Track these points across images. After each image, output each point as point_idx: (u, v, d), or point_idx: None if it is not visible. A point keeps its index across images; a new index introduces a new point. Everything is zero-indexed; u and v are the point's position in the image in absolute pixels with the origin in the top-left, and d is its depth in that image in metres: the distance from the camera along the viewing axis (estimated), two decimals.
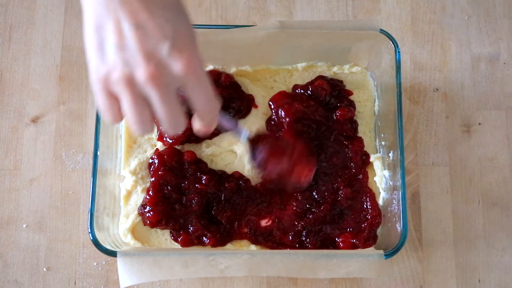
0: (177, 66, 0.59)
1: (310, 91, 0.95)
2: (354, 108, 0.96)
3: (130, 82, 0.59)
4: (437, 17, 1.06)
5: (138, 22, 0.59)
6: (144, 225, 0.91)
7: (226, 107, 0.93)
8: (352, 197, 0.92)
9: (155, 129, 0.95)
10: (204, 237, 0.90)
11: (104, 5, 0.59)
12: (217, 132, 0.94)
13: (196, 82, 0.61)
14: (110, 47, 0.59)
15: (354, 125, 0.95)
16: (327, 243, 0.90)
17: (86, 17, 0.61)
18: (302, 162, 0.90)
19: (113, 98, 0.61)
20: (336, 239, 0.91)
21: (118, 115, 0.62)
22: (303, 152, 0.91)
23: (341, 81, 0.97)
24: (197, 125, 0.68)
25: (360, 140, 0.94)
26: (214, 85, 0.93)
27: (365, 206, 0.92)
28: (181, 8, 0.64)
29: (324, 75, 0.98)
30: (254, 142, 0.88)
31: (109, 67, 0.59)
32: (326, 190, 0.92)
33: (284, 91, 0.96)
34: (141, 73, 0.58)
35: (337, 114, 0.94)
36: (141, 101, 0.60)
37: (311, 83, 0.96)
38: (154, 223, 0.89)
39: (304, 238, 0.90)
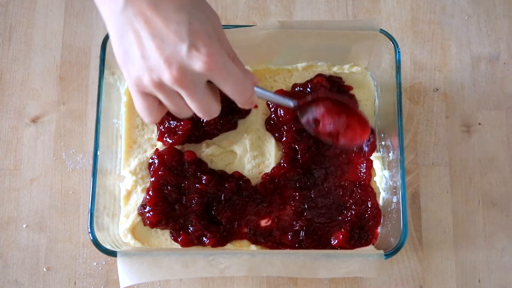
0: (198, 64, 0.63)
1: (310, 88, 0.95)
2: (356, 101, 0.96)
3: (160, 85, 0.64)
4: (437, 17, 1.06)
5: (153, 32, 0.62)
6: (144, 225, 0.91)
7: (226, 107, 0.93)
8: (352, 191, 0.92)
9: (155, 129, 0.95)
10: (204, 237, 0.90)
11: (121, 17, 0.63)
12: (217, 132, 0.94)
13: (221, 73, 0.65)
14: (134, 56, 0.63)
15: None
16: (324, 242, 0.91)
17: (108, 27, 0.65)
18: (356, 123, 0.89)
19: (150, 97, 0.67)
20: (331, 239, 0.91)
21: (156, 114, 0.69)
22: (358, 115, 0.90)
23: (340, 78, 0.97)
24: (238, 105, 0.73)
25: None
26: None
27: (365, 205, 0.92)
28: (196, 4, 0.66)
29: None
30: (305, 104, 0.87)
31: (138, 72, 0.64)
32: (327, 188, 0.93)
33: (282, 89, 0.96)
34: (167, 77, 0.63)
35: None
36: (175, 95, 0.66)
37: (310, 80, 0.96)
38: (154, 223, 0.89)
39: (302, 238, 0.90)
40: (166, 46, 0.62)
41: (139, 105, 0.68)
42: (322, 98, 0.88)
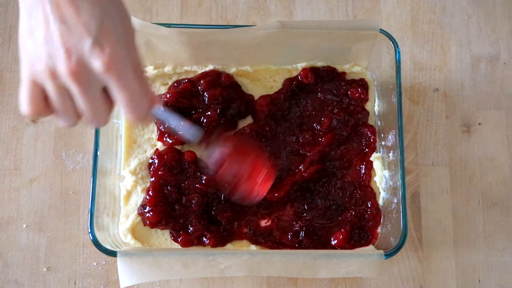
0: (96, 63, 0.59)
1: (301, 79, 0.96)
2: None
3: (53, 74, 0.59)
4: (437, 17, 1.06)
5: (62, 17, 0.58)
6: (144, 225, 0.91)
7: (226, 107, 0.93)
8: (353, 189, 0.93)
9: (155, 129, 0.95)
10: (204, 237, 0.90)
11: None
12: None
13: (118, 80, 0.60)
14: (37, 38, 0.59)
15: (364, 87, 0.97)
16: (324, 242, 0.90)
17: (20, 4, 0.61)
18: (258, 175, 0.86)
19: (38, 88, 0.61)
20: (331, 239, 0.91)
21: (36, 106, 0.61)
22: (263, 163, 0.87)
23: (334, 68, 0.97)
24: (128, 118, 0.67)
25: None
26: (214, 85, 0.94)
27: (365, 206, 0.92)
28: (113, 2, 0.62)
29: None
30: (214, 142, 0.84)
31: (36, 56, 0.59)
32: (327, 189, 0.93)
33: (263, 98, 0.96)
34: (62, 68, 0.58)
35: (351, 91, 0.96)
36: (65, 92, 0.60)
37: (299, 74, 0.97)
38: (154, 223, 0.89)
39: (302, 238, 0.90)
40: (71, 35, 0.58)
41: (24, 90, 0.61)
42: (229, 141, 0.85)
